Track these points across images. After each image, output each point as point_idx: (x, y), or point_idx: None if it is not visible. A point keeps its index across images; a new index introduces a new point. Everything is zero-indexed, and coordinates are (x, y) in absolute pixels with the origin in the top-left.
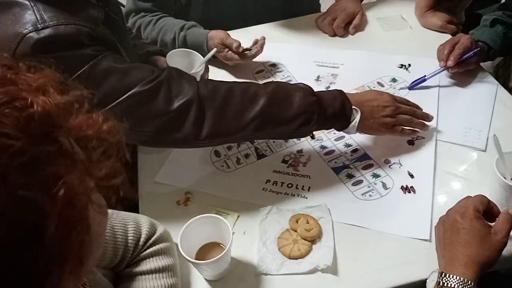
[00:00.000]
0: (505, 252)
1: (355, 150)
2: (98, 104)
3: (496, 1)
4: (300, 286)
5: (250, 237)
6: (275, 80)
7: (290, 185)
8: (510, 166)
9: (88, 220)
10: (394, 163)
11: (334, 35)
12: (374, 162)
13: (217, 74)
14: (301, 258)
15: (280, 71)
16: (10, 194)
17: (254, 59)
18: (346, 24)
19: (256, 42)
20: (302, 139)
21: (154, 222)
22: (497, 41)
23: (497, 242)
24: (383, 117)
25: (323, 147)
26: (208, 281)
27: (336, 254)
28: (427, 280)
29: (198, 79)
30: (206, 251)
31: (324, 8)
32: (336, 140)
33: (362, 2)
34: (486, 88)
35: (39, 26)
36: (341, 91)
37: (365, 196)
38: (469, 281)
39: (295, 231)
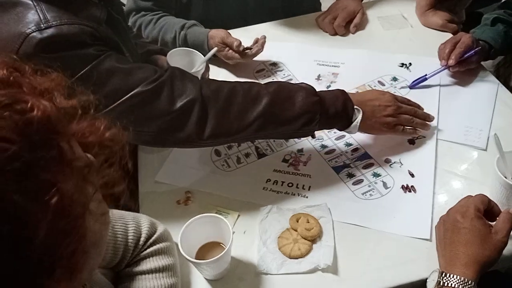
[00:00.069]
0: (505, 251)
1: (355, 149)
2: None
3: (496, 0)
4: (300, 285)
5: (250, 237)
6: (275, 79)
7: (290, 185)
8: (511, 165)
9: (83, 229)
10: (394, 162)
11: (335, 34)
12: (375, 161)
13: (218, 73)
14: (301, 257)
15: (281, 70)
16: (0, 199)
17: (255, 58)
18: (347, 23)
19: (256, 41)
20: (302, 138)
21: (154, 222)
22: (498, 40)
23: (497, 241)
24: (385, 117)
25: (323, 146)
26: (208, 280)
27: (336, 253)
28: (428, 280)
29: (198, 78)
30: (206, 250)
31: (324, 7)
32: (336, 139)
33: (363, 1)
34: (487, 87)
35: (42, 25)
36: (343, 91)
37: (366, 195)
38: (470, 281)
39: (296, 230)
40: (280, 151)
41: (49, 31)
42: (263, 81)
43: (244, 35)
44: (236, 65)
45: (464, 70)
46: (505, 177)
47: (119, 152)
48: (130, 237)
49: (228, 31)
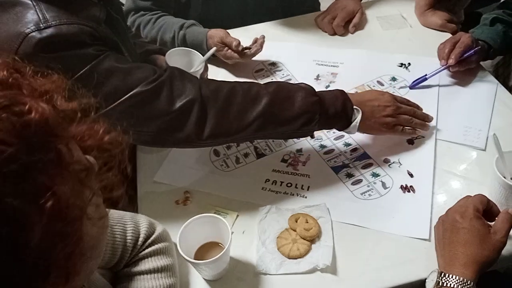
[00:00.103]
0: (504, 251)
1: (354, 149)
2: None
3: (495, 0)
4: (299, 285)
5: (249, 237)
6: (274, 79)
7: (289, 185)
8: (510, 165)
9: (80, 232)
10: (393, 162)
11: (334, 34)
12: (374, 161)
13: (217, 73)
14: (300, 257)
15: (280, 70)
16: None
17: (254, 58)
18: (346, 22)
19: (255, 41)
20: (301, 138)
21: (153, 222)
22: (497, 40)
23: (496, 241)
24: (384, 117)
25: (322, 146)
26: (207, 281)
27: (335, 253)
28: (427, 280)
29: (198, 78)
30: (205, 250)
31: (323, 6)
32: (335, 139)
33: (362, 1)
34: (486, 87)
35: (41, 25)
36: (342, 91)
37: (365, 195)
38: (469, 281)
39: (294, 230)
40: (279, 151)
41: (49, 31)
42: (262, 81)
43: (243, 35)
44: (235, 64)
45: (463, 70)
46: (504, 177)
47: (118, 156)
48: (128, 237)
49: (227, 30)
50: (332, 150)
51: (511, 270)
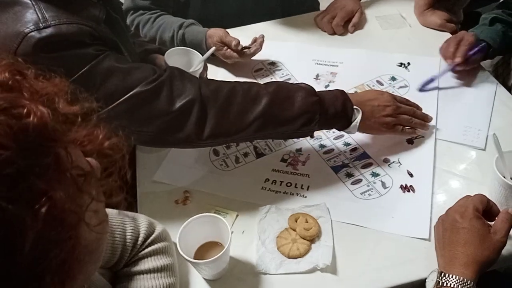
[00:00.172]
0: (504, 251)
1: (354, 149)
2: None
3: (494, 0)
4: (299, 285)
5: (249, 237)
6: (274, 78)
7: (289, 184)
8: (510, 165)
9: (76, 238)
10: (393, 162)
11: (333, 33)
12: (373, 161)
13: (216, 73)
14: (300, 257)
15: (279, 70)
16: None
17: (253, 58)
18: (345, 22)
19: (255, 40)
20: (301, 137)
21: (153, 221)
22: (497, 39)
23: (496, 241)
24: (384, 117)
25: (322, 146)
26: (207, 280)
27: (335, 253)
28: (427, 280)
29: (197, 78)
30: (204, 250)
31: (323, 6)
32: (335, 139)
33: (361, 0)
34: (485, 87)
35: (40, 25)
36: (342, 91)
37: (364, 195)
38: (469, 281)
39: (294, 230)
40: (278, 151)
41: (48, 31)
42: (261, 80)
43: (243, 34)
44: (234, 64)
45: (469, 69)
46: (504, 177)
47: (118, 161)
48: (128, 237)
49: (227, 30)
50: (332, 149)
51: (511, 270)
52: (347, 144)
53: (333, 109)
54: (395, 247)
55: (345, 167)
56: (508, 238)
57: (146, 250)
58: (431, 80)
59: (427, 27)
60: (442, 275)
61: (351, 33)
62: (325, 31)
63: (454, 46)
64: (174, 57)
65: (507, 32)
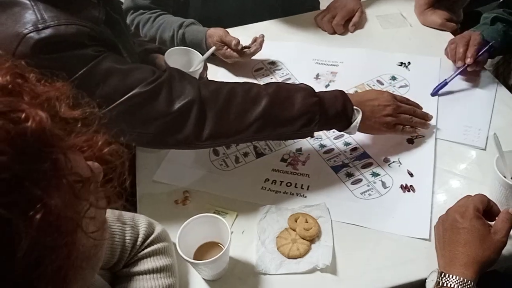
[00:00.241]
0: (504, 251)
1: (354, 149)
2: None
3: None
4: (299, 285)
5: (248, 237)
6: (274, 78)
7: (289, 184)
8: (510, 165)
9: (72, 245)
10: (393, 162)
11: (334, 32)
12: (374, 161)
13: (216, 72)
14: (300, 257)
15: (279, 69)
16: None
17: (253, 57)
18: (346, 21)
19: (255, 40)
20: (301, 138)
21: (152, 222)
22: (498, 39)
23: (497, 241)
24: (384, 117)
25: (322, 146)
26: (207, 281)
27: (335, 253)
28: (427, 280)
29: (197, 77)
30: (204, 250)
31: (323, 5)
32: (335, 138)
33: (362, 0)
34: (486, 87)
35: (39, 26)
36: (342, 92)
37: (365, 195)
38: (469, 281)
39: (294, 230)
40: (278, 151)
41: (47, 32)
42: (261, 80)
43: (243, 34)
44: (234, 64)
45: (478, 69)
46: (504, 177)
47: (118, 168)
48: (127, 238)
49: (227, 29)
50: (332, 149)
51: (511, 270)
52: (347, 144)
53: (333, 109)
54: (395, 247)
55: (345, 167)
56: (508, 238)
57: (146, 251)
58: (445, 84)
59: (428, 26)
60: (442, 275)
61: (352, 32)
62: (325, 31)
63: (463, 46)
64: (174, 57)
65: (508, 31)
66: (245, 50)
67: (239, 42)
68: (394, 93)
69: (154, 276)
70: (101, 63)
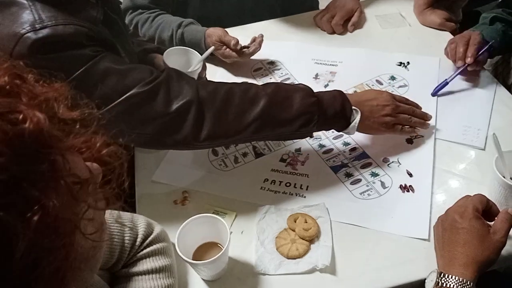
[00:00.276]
0: (504, 251)
1: (353, 149)
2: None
3: None
4: (298, 286)
5: (248, 237)
6: (273, 78)
7: (288, 184)
8: (510, 165)
9: (70, 246)
10: (392, 162)
11: (333, 32)
12: (373, 161)
13: (215, 72)
14: (299, 257)
15: (278, 69)
16: None
17: (252, 57)
18: (345, 21)
19: (254, 40)
20: (300, 139)
21: (151, 222)
22: (497, 38)
23: (496, 241)
24: (383, 116)
25: (321, 146)
26: (206, 281)
27: (334, 253)
28: (426, 280)
29: (195, 77)
30: (203, 251)
31: (322, 5)
32: (334, 138)
33: (361, 0)
34: (485, 86)
35: (37, 26)
36: (340, 92)
37: (364, 195)
38: (468, 281)
39: (293, 230)
40: (278, 151)
41: (44, 32)
42: (260, 80)
43: (242, 34)
44: (233, 63)
45: (479, 69)
46: (504, 177)
47: (117, 169)
48: (126, 238)
49: (226, 29)
50: (331, 149)
51: (511, 270)
52: (346, 144)
53: (331, 110)
54: (394, 247)
55: (344, 167)
56: (507, 238)
57: (145, 251)
58: (446, 84)
59: (427, 26)
60: (441, 276)
61: (351, 32)
62: (324, 30)
63: (463, 46)
64: (173, 57)
65: (507, 31)
66: (244, 50)
67: (238, 42)
68: (393, 93)
69: (153, 276)
70: (99, 63)
